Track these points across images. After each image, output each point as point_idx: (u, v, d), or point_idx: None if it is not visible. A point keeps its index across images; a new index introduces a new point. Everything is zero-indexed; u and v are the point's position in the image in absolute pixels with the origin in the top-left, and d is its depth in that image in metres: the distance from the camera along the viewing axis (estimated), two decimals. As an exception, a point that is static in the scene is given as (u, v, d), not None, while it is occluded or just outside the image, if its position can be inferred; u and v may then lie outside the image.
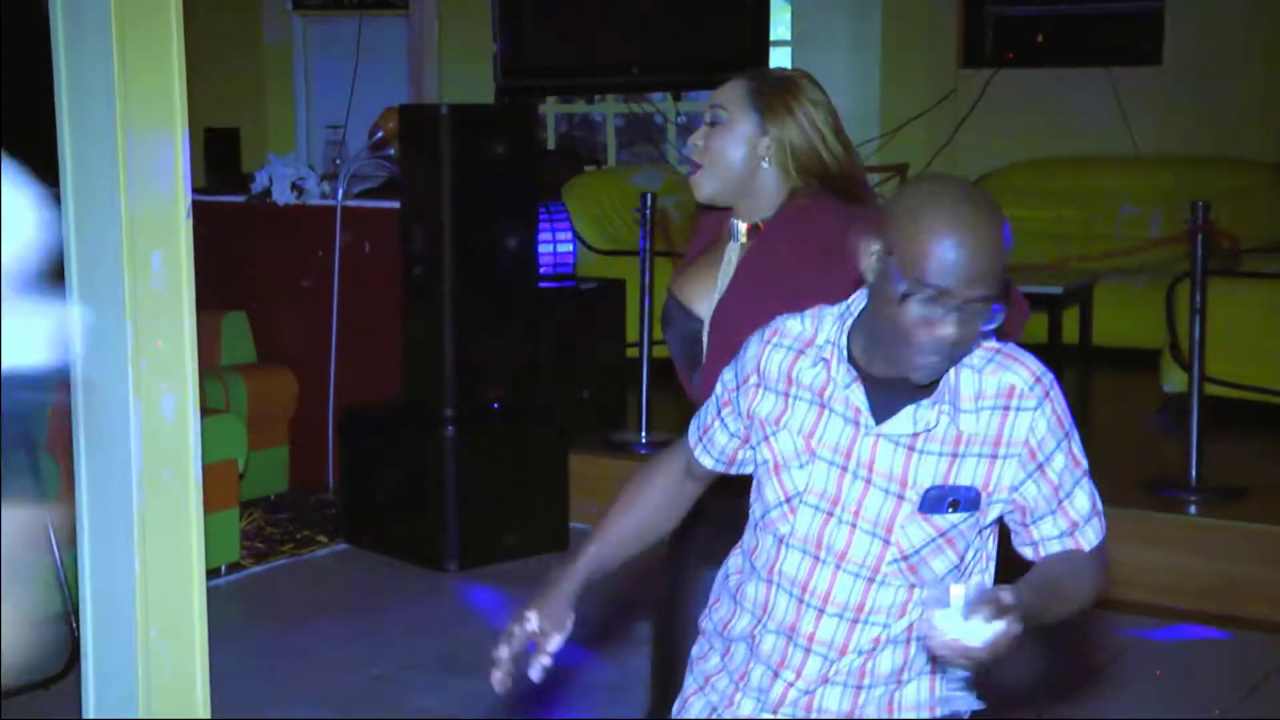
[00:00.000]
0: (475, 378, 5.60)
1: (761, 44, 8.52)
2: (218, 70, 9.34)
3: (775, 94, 2.56)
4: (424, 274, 5.62)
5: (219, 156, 8.20)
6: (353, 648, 4.81)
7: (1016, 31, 9.52)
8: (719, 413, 2.17)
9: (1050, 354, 7.56)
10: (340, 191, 6.29)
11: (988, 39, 9.51)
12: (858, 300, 2.03)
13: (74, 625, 4.49)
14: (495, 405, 5.65)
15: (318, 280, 6.43)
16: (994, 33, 9.52)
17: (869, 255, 1.93)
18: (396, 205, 5.85)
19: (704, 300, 2.65)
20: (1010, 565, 2.10)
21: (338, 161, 6.55)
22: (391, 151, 6.20)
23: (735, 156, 2.58)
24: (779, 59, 9.44)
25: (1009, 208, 8.65)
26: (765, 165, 2.56)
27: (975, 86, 9.20)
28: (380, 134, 6.35)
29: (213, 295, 5.78)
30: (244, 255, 6.67)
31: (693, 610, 2.39)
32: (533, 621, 2.21)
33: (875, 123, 9.31)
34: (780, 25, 9.52)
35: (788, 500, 2.04)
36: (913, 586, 2.01)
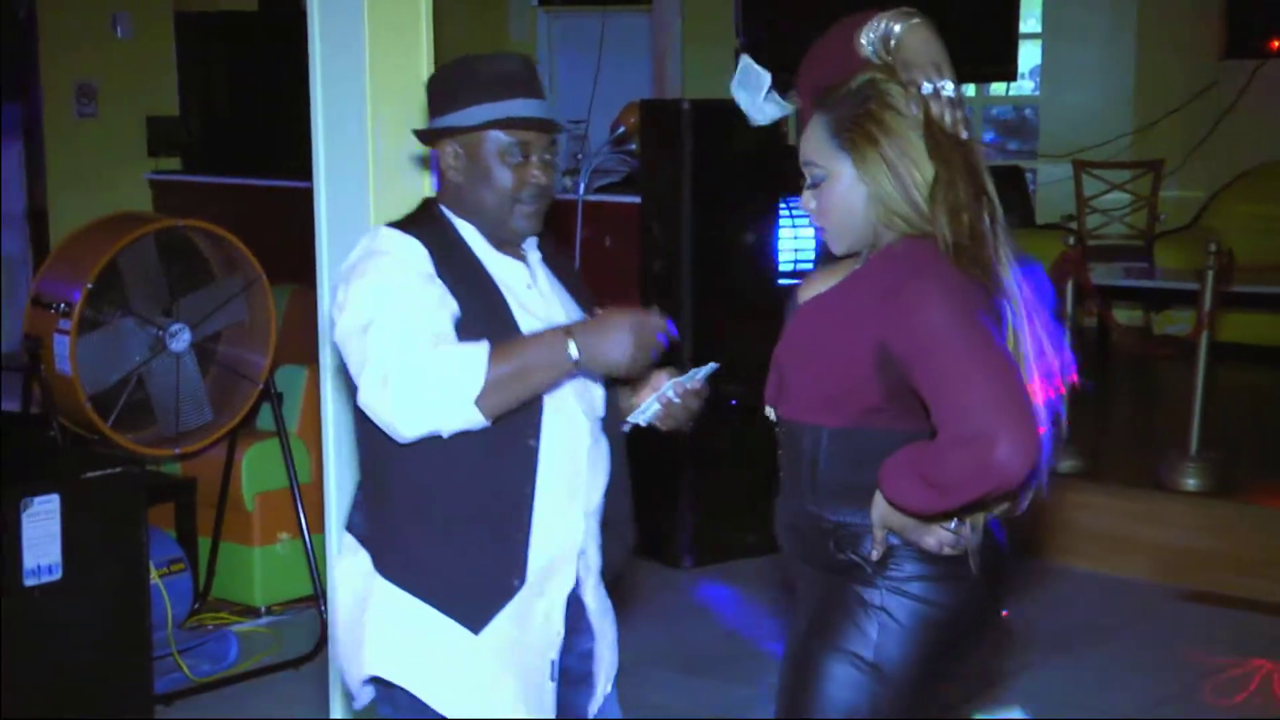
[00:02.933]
0: (713, 374, 5.57)
1: (1011, 36, 8.31)
2: (466, 67, 9.54)
3: (858, 127, 2.32)
4: (663, 269, 5.63)
5: (465, 151, 8.36)
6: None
7: (1284, 19, 9.07)
8: None
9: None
10: (582, 186, 6.34)
11: (1254, 27, 9.06)
12: None
13: (322, 608, 4.62)
14: (733, 402, 5.62)
15: (559, 274, 6.48)
16: (1261, 20, 9.07)
17: None
18: (637, 200, 5.87)
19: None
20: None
21: (579, 156, 6.61)
22: (633, 147, 6.23)
23: (849, 212, 2.36)
24: (1029, 52, 9.20)
25: (1272, 204, 8.33)
26: (879, 218, 2.34)
27: (1238, 79, 8.80)
28: (622, 129, 6.38)
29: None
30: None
31: None
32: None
33: (1129, 117, 9.00)
34: (1030, 18, 9.27)
35: None
36: None
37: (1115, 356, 8.04)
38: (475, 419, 2.28)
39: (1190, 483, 5.53)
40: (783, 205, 5.95)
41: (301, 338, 5.01)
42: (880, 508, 2.33)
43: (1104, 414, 6.83)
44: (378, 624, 2.44)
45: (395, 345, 2.27)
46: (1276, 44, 8.94)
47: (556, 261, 2.64)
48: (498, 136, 2.44)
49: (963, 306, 2.23)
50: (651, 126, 5.69)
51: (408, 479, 2.40)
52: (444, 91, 2.48)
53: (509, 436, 2.37)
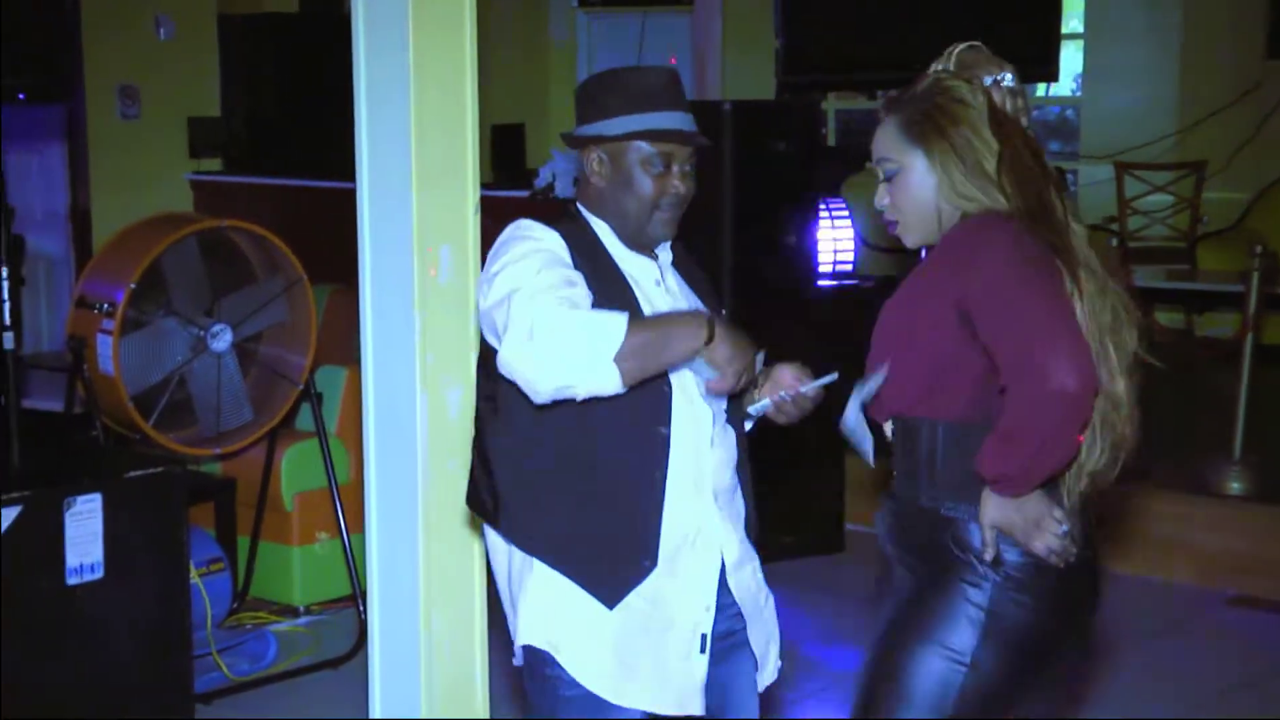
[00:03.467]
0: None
1: (1053, 37, 8.25)
2: (504, 67, 9.56)
3: (924, 118, 2.46)
4: (703, 269, 5.61)
5: (504, 152, 8.39)
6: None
7: (1330, 20, 8.98)
8: None
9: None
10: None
11: (1299, 28, 8.99)
12: None
13: (360, 608, 4.63)
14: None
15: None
16: (1306, 21, 9.00)
17: None
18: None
19: None
20: None
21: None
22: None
23: (922, 202, 2.49)
24: (1070, 53, 9.13)
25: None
26: (949, 202, 2.47)
27: (1283, 80, 8.72)
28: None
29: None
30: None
31: None
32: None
33: (1173, 117, 8.92)
34: (1074, 18, 9.21)
35: None
36: None
37: (1157, 359, 7.96)
38: (611, 380, 2.36)
39: (1234, 486, 5.48)
40: (823, 206, 5.94)
41: (341, 338, 5.02)
42: (989, 505, 2.37)
43: (1146, 417, 6.77)
44: (526, 595, 2.57)
45: (538, 305, 2.38)
46: (1323, 44, 8.86)
47: (685, 264, 2.78)
48: (641, 146, 2.58)
49: (1026, 261, 2.34)
50: (692, 127, 5.67)
51: (545, 455, 2.52)
52: (592, 101, 2.64)
53: (642, 423, 2.50)
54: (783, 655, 2.79)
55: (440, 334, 3.24)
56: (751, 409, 2.67)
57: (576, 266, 2.52)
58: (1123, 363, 2.42)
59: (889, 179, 2.51)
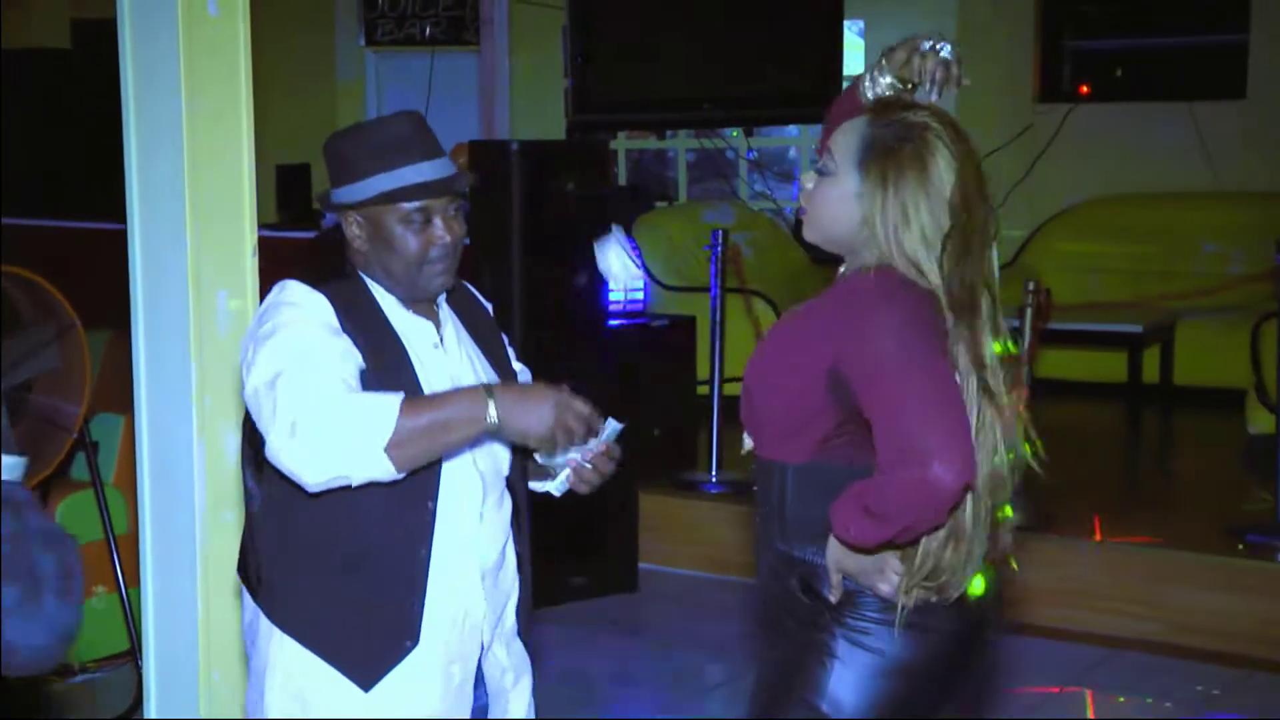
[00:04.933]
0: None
1: (834, 79, 8.45)
2: (290, 107, 9.40)
3: (887, 154, 2.33)
4: (494, 310, 5.58)
5: (290, 192, 8.25)
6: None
7: (1095, 66, 9.38)
8: None
9: (1130, 394, 7.43)
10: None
11: (1065, 73, 9.37)
12: None
13: (139, 664, 4.47)
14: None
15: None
16: (1071, 67, 9.39)
17: None
18: (466, 241, 5.82)
19: None
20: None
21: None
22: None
23: (837, 218, 2.40)
24: (852, 94, 9.35)
25: (1087, 244, 8.59)
26: (861, 232, 2.37)
27: (1052, 122, 9.07)
28: (451, 170, 6.34)
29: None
30: (315, 291, 6.66)
31: None
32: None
33: (950, 158, 9.19)
34: (854, 60, 9.44)
35: None
36: None
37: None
38: (385, 468, 2.25)
39: (1017, 517, 5.63)
40: (612, 246, 5.95)
41: (120, 385, 4.85)
42: (833, 548, 2.33)
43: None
44: (276, 674, 2.44)
45: (304, 393, 2.25)
46: (1086, 89, 9.25)
47: (471, 311, 2.66)
48: (397, 206, 2.43)
49: (917, 336, 2.26)
50: (481, 167, 5.65)
51: (306, 531, 2.40)
52: (338, 163, 2.48)
53: (409, 498, 2.37)
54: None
55: (218, 379, 3.16)
56: (550, 487, 2.56)
57: (345, 330, 2.38)
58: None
59: (820, 174, 2.41)
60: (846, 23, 8.69)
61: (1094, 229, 8.54)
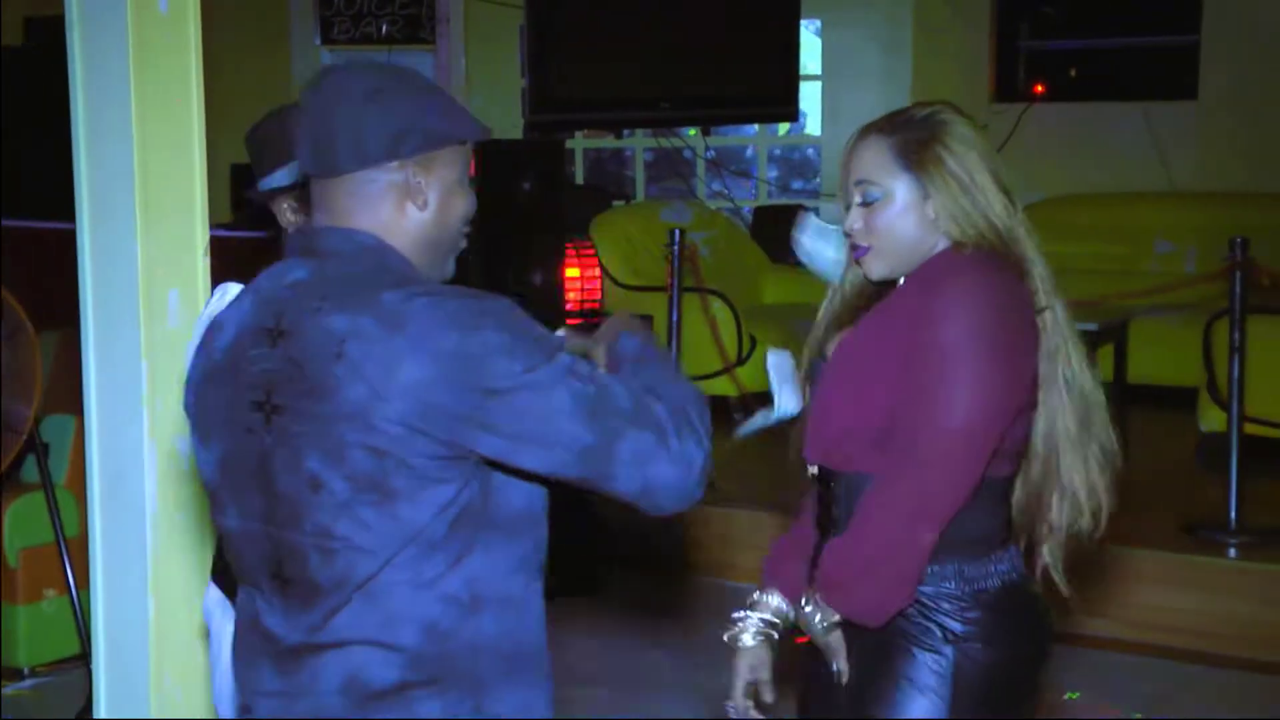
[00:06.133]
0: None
1: (792, 78, 8.47)
2: (244, 106, 9.35)
3: (924, 145, 2.29)
4: (449, 310, 5.57)
5: (245, 192, 8.17)
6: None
7: (1050, 66, 9.44)
8: None
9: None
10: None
11: (1020, 74, 9.42)
12: None
13: (90, 667, 4.42)
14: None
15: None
16: (1026, 68, 9.44)
17: None
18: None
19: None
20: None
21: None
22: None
23: (903, 232, 2.30)
24: (809, 93, 9.39)
25: (1043, 243, 8.61)
26: (937, 232, 2.30)
27: (1007, 122, 9.12)
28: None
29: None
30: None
31: None
32: None
33: (906, 157, 9.22)
34: (811, 60, 9.46)
35: None
36: None
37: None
38: None
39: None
40: (570, 245, 5.95)
41: (71, 386, 4.80)
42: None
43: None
44: None
45: None
46: (1041, 89, 9.31)
47: None
48: None
49: (993, 325, 2.21)
50: (435, 166, 5.63)
51: None
52: (264, 149, 2.49)
53: None
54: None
55: (170, 380, 3.13)
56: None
57: None
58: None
59: (868, 204, 2.31)
60: (804, 21, 8.72)
61: (1048, 228, 8.49)
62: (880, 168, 2.31)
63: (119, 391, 3.14)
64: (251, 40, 9.64)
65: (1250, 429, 5.67)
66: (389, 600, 1.80)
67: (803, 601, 2.30)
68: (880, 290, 2.39)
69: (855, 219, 2.33)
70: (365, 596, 1.80)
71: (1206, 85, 8.77)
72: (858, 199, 2.33)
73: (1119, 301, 7.44)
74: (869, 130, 2.36)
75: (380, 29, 9.77)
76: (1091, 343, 8.02)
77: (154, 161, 3.13)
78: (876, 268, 2.34)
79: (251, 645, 1.92)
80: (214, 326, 1.95)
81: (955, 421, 2.17)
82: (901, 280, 2.35)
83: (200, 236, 3.21)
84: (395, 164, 1.89)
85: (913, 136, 2.30)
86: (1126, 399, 7.50)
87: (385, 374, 1.75)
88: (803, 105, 8.79)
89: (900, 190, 2.30)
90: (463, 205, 1.97)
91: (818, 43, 9.63)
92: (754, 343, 7.18)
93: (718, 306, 7.10)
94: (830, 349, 2.40)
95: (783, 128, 9.96)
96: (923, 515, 2.19)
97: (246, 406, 1.85)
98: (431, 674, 1.81)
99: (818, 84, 9.69)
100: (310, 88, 1.90)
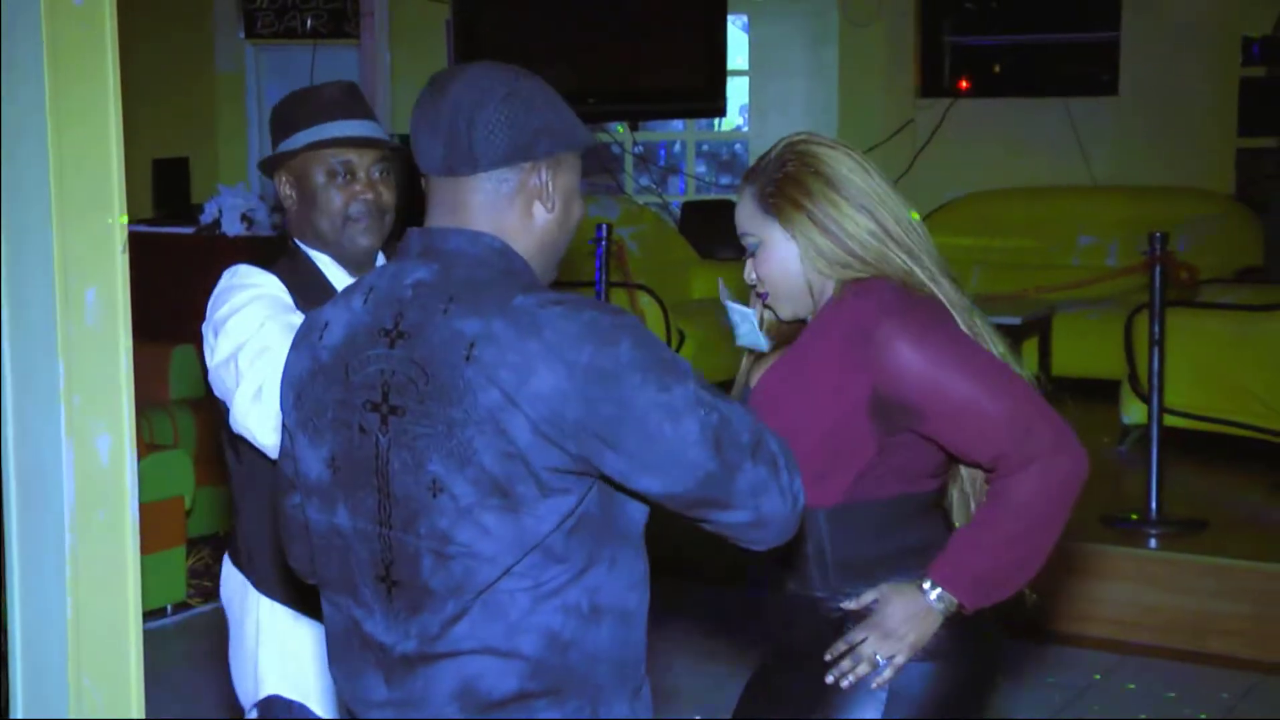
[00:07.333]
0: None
1: (718, 74, 8.49)
2: (168, 100, 9.25)
3: (778, 188, 2.30)
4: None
5: (168, 187, 8.09)
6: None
7: (974, 62, 9.53)
8: None
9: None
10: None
11: (945, 69, 9.51)
12: None
13: (5, 668, 4.36)
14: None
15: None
16: (951, 63, 9.53)
17: None
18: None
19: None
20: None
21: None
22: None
23: (789, 274, 2.32)
24: (736, 88, 9.42)
25: (967, 238, 8.71)
26: (813, 271, 2.31)
27: (933, 116, 9.20)
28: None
29: (162, 328, 5.68)
30: (194, 287, 6.55)
31: None
32: None
33: (833, 152, 9.27)
34: (738, 55, 9.49)
35: None
36: None
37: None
38: None
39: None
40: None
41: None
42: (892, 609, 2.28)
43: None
44: (270, 642, 2.58)
45: (265, 358, 2.35)
46: (966, 84, 9.40)
47: None
48: (323, 159, 2.56)
49: (939, 335, 2.23)
50: (360, 161, 5.58)
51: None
52: (274, 126, 2.62)
53: None
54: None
55: (87, 379, 3.08)
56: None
57: (299, 308, 2.47)
58: None
59: (753, 254, 2.34)
60: (730, 17, 8.75)
61: (973, 223, 8.67)
62: (751, 218, 2.34)
63: (35, 389, 3.09)
64: (174, 35, 9.53)
65: (1170, 421, 5.75)
66: (510, 609, 1.78)
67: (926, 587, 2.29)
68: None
69: (748, 270, 2.37)
70: (484, 605, 1.78)
71: (1126, 81, 8.89)
72: (748, 251, 2.37)
73: (1042, 295, 7.53)
74: (744, 178, 2.38)
75: (305, 23, 9.70)
76: (1016, 336, 8.10)
77: (69, 157, 3.08)
78: (782, 310, 2.37)
79: (353, 653, 1.90)
80: (315, 325, 1.92)
81: (1003, 404, 2.22)
82: (809, 318, 2.36)
83: (118, 232, 3.16)
84: (529, 164, 1.88)
85: (768, 180, 2.31)
86: (1050, 391, 7.58)
87: (518, 380, 1.72)
88: (730, 100, 8.83)
89: (771, 237, 2.32)
90: (579, 209, 1.99)
91: (745, 38, 9.67)
92: (683, 337, 7.20)
93: (646, 301, 7.12)
94: (754, 379, 2.42)
95: (716, 122, 9.99)
96: (1067, 484, 2.27)
97: (360, 407, 1.82)
98: (551, 683, 1.79)
99: (745, 79, 9.72)
100: (436, 89, 1.89)
